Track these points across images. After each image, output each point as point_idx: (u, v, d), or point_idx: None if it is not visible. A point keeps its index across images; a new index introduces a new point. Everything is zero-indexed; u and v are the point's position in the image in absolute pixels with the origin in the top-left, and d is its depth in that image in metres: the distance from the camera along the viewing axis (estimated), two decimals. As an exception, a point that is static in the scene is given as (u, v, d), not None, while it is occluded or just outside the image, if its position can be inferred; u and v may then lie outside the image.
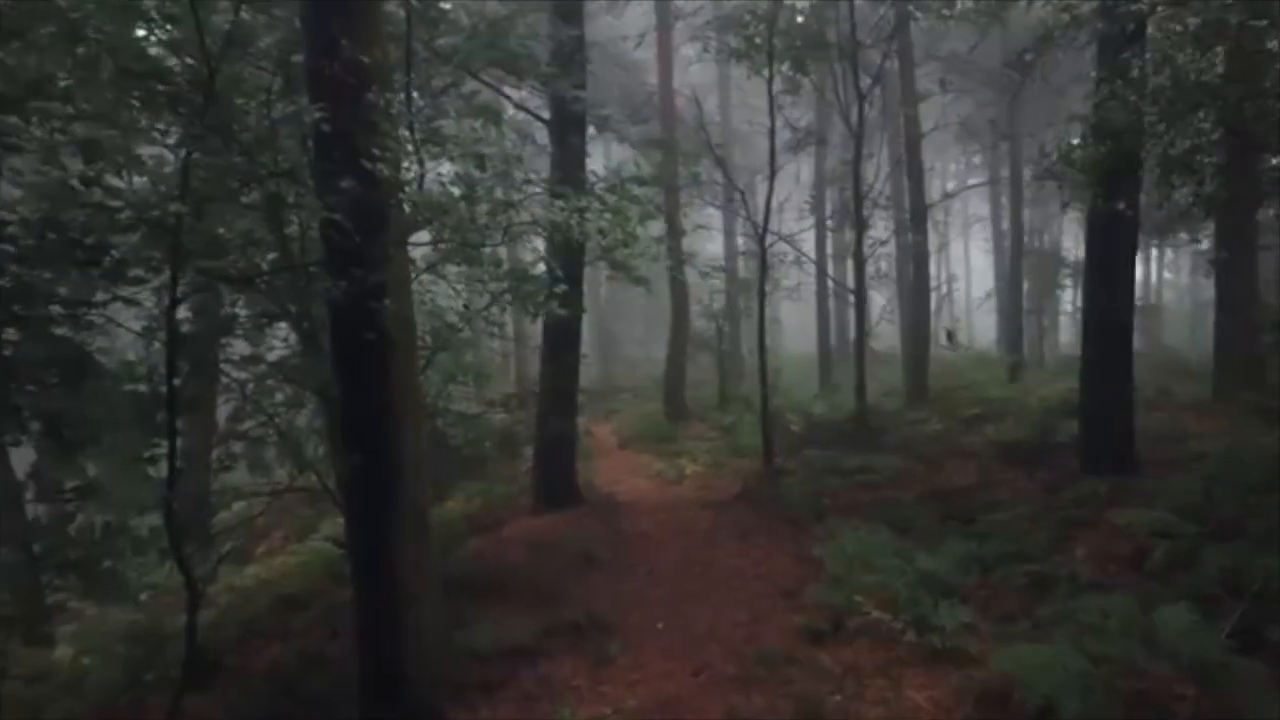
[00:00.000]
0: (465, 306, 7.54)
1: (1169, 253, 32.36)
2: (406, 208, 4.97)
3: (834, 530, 7.80)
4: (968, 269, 38.84)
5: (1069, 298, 29.10)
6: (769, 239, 11.23)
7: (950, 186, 31.04)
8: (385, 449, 4.77)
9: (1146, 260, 28.62)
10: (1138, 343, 21.45)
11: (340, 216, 4.15)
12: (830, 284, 20.74)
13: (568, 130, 9.54)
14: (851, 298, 24.09)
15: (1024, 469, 9.27)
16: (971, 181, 29.08)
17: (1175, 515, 6.37)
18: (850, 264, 18.72)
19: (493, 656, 6.13)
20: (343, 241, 4.25)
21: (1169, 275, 37.34)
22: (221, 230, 4.98)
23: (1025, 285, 21.51)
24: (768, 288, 11.56)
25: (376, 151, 4.19)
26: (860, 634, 5.41)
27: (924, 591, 5.58)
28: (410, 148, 5.30)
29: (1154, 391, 12.75)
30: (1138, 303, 25.07)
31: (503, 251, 9.14)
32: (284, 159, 4.64)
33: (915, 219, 15.49)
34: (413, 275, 5.76)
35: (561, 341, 10.22)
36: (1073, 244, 31.99)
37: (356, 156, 4.20)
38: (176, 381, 4.68)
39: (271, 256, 5.72)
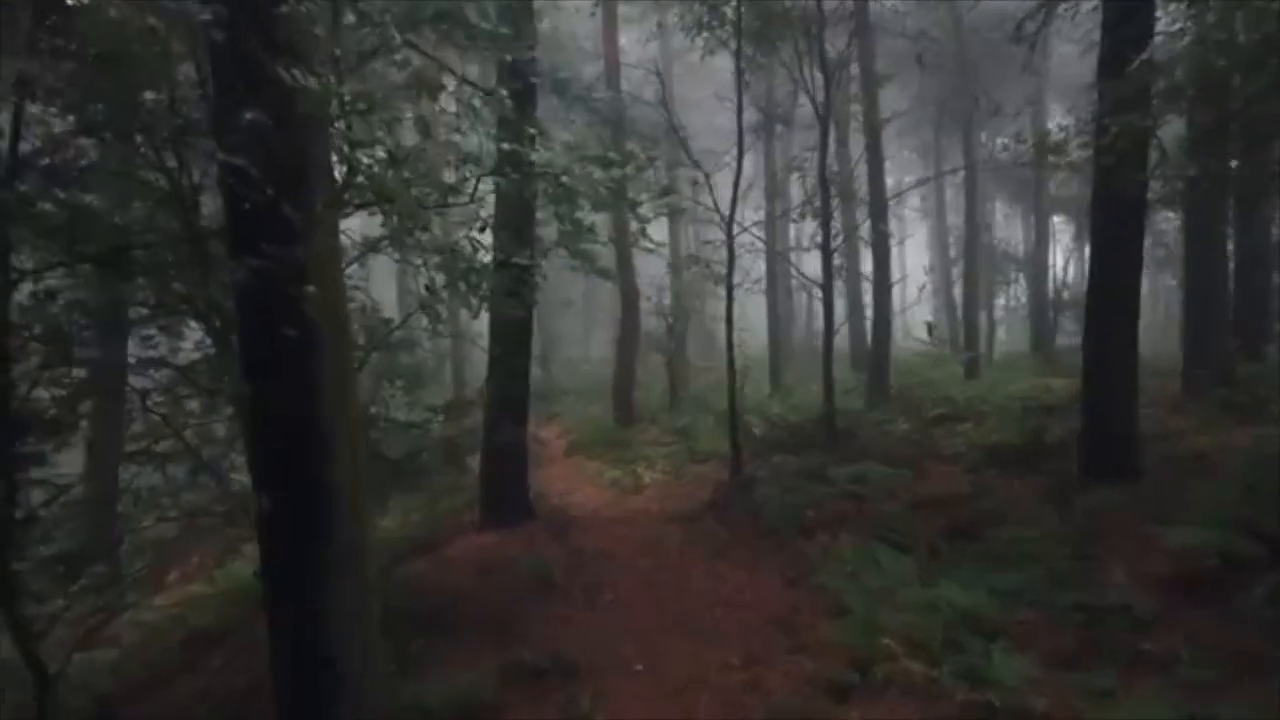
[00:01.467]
0: (429, 288, 6.47)
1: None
2: (337, 166, 3.89)
3: (827, 548, 6.99)
4: (903, 264, 38.79)
5: (1009, 293, 29.09)
6: (735, 228, 10.36)
7: (889, 182, 30.72)
8: (312, 473, 3.71)
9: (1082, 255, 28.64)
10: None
11: (244, 163, 3.09)
12: (796, 278, 19.87)
13: (519, 99, 8.47)
14: (800, 292, 23.47)
15: (1016, 475, 8.60)
16: (909, 178, 28.78)
17: (1217, 529, 5.62)
18: (797, 257, 18.04)
19: (445, 713, 5.15)
20: (250, 198, 3.17)
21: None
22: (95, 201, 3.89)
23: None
24: (735, 279, 10.65)
25: (297, 73, 3.12)
26: (894, 687, 4.45)
27: (963, 630, 4.73)
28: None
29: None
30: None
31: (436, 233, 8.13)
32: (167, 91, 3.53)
33: (875, 209, 14.80)
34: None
35: (511, 339, 9.15)
36: (1010, 236, 32.09)
37: (267, 84, 3.15)
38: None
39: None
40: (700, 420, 14.88)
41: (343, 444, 3.82)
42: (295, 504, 3.64)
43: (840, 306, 20.08)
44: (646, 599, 6.98)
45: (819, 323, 28.80)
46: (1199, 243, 11.56)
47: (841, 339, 23.93)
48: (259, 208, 3.29)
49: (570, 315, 33.00)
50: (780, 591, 6.60)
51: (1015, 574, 5.64)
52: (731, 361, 10.13)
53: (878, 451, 10.44)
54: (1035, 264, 22.06)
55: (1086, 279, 8.37)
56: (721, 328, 20.69)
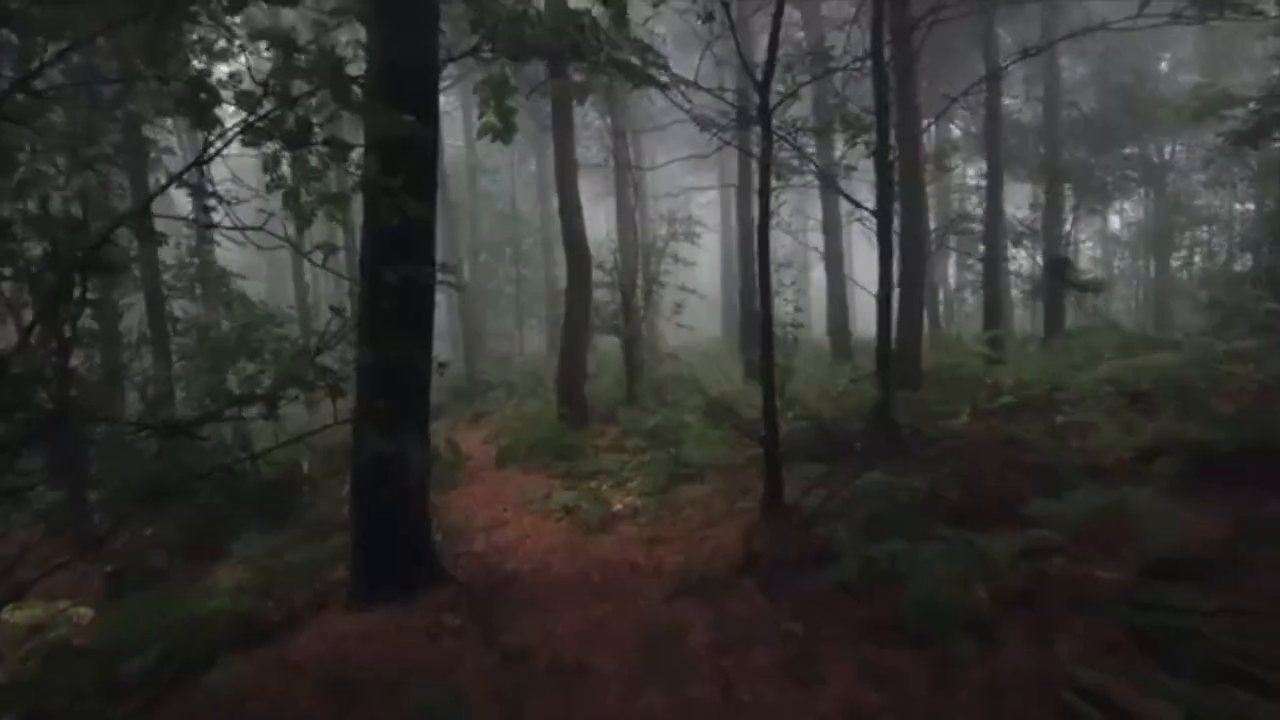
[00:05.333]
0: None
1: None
2: None
3: (1072, 676, 3.18)
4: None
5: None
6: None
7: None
8: None
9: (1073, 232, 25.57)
10: (1080, 320, 18.45)
11: None
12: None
13: None
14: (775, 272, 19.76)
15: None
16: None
17: None
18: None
19: None
20: None
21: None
22: None
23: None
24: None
25: None
26: None
27: None
28: None
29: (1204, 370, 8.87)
30: (1087, 277, 22.22)
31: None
32: None
33: (904, 138, 10.97)
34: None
35: (396, 242, 4.95)
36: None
37: None
38: None
39: None
40: (677, 418, 10.92)
41: None
42: None
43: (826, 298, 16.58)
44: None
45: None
46: None
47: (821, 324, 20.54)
48: None
49: (498, 304, 28.72)
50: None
51: None
52: (767, 318, 6.26)
53: (976, 459, 6.70)
54: (1046, 236, 18.70)
55: None
56: (692, 301, 16.79)
